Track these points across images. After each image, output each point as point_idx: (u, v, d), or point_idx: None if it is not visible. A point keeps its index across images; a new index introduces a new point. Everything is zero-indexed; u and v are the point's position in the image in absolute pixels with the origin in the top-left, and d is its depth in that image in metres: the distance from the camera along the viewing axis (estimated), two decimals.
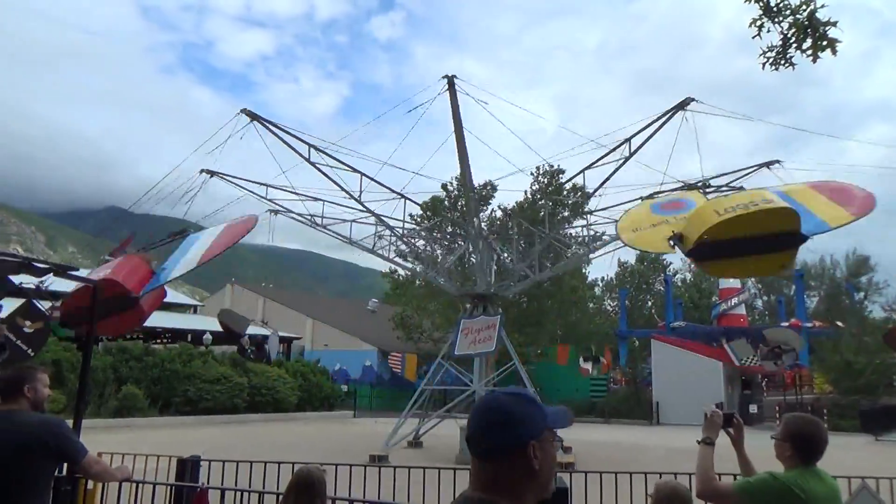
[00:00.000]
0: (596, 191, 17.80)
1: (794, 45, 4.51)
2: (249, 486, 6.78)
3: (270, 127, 16.36)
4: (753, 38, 4.57)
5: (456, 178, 36.95)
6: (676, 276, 57.84)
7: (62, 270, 6.26)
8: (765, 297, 65.99)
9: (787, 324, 36.03)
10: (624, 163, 15.97)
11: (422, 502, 7.18)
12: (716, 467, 3.61)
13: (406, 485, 7.62)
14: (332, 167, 17.15)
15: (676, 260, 61.92)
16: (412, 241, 22.04)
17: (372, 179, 18.12)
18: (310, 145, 16.74)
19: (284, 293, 62.64)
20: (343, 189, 17.55)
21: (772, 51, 4.66)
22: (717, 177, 16.92)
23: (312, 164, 16.79)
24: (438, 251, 22.78)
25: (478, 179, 38.88)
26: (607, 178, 16.62)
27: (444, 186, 34.03)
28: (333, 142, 17.21)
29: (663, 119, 15.26)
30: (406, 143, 17.27)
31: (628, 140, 15.82)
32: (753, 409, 32.63)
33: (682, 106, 14.91)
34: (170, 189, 15.56)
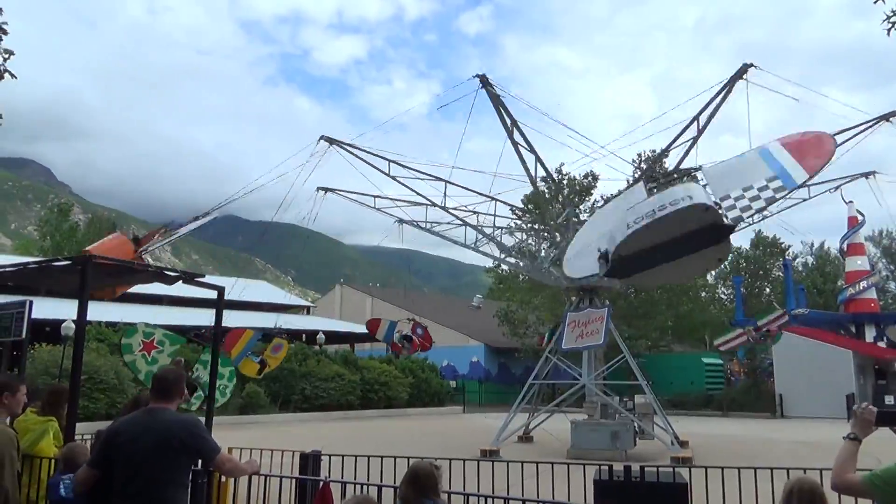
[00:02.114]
0: (673, 172, 17.19)
1: None
2: (368, 480, 7.00)
3: (349, 150, 17.24)
4: (875, 2, 4.25)
5: (557, 170, 36.55)
6: (797, 261, 54.62)
7: (190, 277, 6.70)
8: None
9: None
10: (693, 143, 15.32)
11: (536, 496, 7.15)
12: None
13: (519, 479, 7.62)
14: (416, 178, 17.80)
15: (797, 243, 58.49)
16: (510, 237, 22.08)
17: (454, 184, 18.58)
18: (389, 160, 17.40)
19: (391, 292, 64.07)
20: (425, 198, 18.21)
21: None
22: (816, 184, 15.82)
23: (393, 177, 17.53)
24: (542, 245, 22.60)
25: (578, 171, 38.23)
26: (681, 160, 16.02)
27: (544, 180, 33.71)
28: (412, 156, 17.94)
29: (723, 92, 14.51)
30: (497, 136, 17.43)
31: (696, 118, 15.09)
32: (889, 400, 30.22)
33: (740, 75, 14.16)
34: (279, 196, 16.41)
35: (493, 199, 19.60)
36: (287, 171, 15.98)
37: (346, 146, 17.15)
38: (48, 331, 22.66)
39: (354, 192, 19.20)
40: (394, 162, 17.52)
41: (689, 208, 6.11)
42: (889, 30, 4.34)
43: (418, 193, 18.25)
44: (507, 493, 6.66)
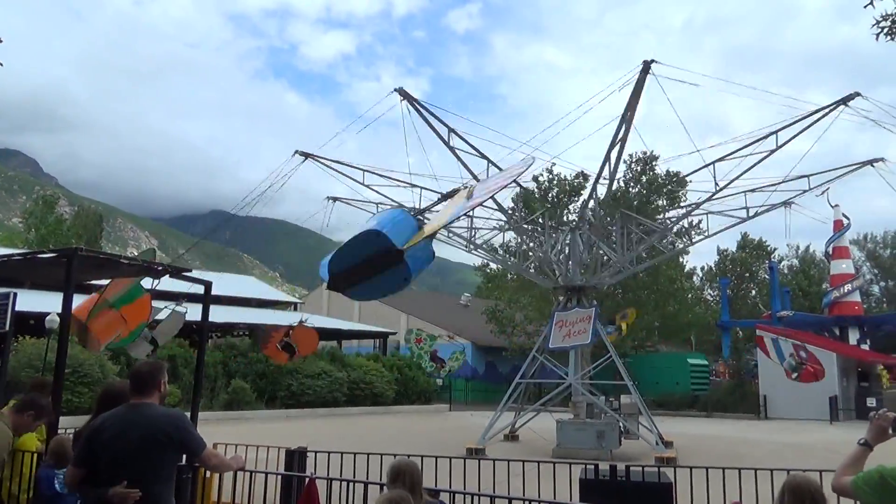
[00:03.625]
0: (727, 185, 17.20)
1: None
2: (354, 476, 7.00)
3: (324, 163, 17.32)
4: (865, 6, 4.28)
5: (547, 169, 36.58)
6: (782, 263, 55.05)
7: (177, 272, 6.66)
8: (882, 283, 61.78)
9: None
10: (768, 155, 15.44)
11: (521, 495, 7.17)
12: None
13: (505, 478, 7.65)
14: (465, 152, 17.66)
15: (782, 245, 58.88)
16: (498, 236, 22.14)
17: (429, 190, 18.66)
18: (450, 129, 17.24)
19: None
20: (399, 204, 18.34)
21: (886, 19, 4.35)
22: (785, 126, 15.79)
23: (367, 186, 17.76)
24: (530, 244, 22.63)
25: (567, 171, 38.32)
26: (747, 170, 16.15)
27: (535, 178, 33.73)
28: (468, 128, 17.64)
29: (820, 114, 14.62)
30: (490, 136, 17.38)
31: (775, 133, 15.23)
32: (871, 402, 30.53)
33: (845, 101, 14.25)
34: (269, 192, 16.32)
35: (519, 185, 19.96)
36: (275, 167, 16.01)
37: (320, 160, 17.35)
38: (32, 323, 22.47)
39: (337, 161, 19.04)
40: (368, 171, 17.76)
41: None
42: (878, 35, 4.37)
43: (393, 200, 18.53)
44: (493, 492, 6.66)
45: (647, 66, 15.47)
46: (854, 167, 17.45)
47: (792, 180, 17.61)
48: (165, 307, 8.83)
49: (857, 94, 14.58)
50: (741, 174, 16.65)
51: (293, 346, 13.97)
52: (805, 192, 18.15)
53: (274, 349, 14.07)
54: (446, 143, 17.16)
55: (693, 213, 21.96)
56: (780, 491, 3.49)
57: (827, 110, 15.07)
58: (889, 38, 4.40)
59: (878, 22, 4.39)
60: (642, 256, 21.93)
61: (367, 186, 17.84)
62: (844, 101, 14.73)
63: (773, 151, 15.78)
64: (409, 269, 6.68)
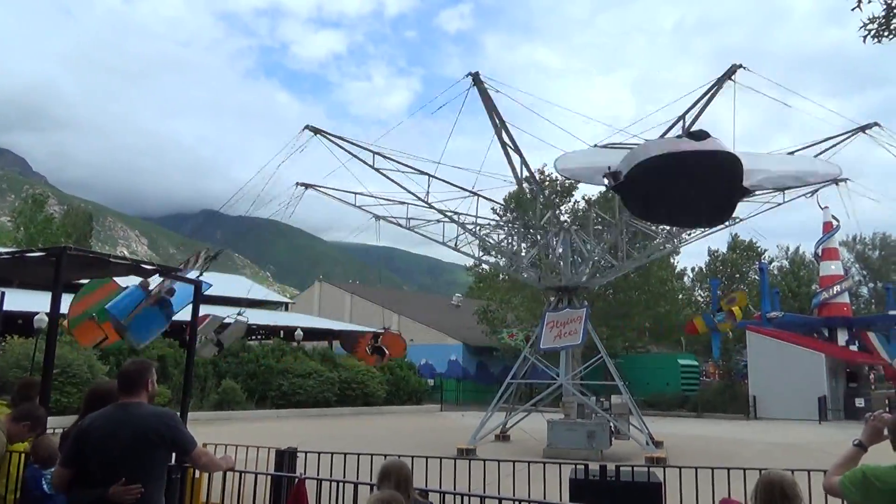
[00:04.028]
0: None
1: None
2: (344, 477, 6.98)
3: (334, 140, 16.98)
4: (853, 9, 4.31)
5: (538, 170, 36.63)
6: (772, 264, 55.30)
7: (167, 271, 6.63)
8: (871, 285, 62.20)
9: (895, 312, 33.88)
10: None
11: (511, 495, 7.18)
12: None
13: (496, 478, 7.65)
14: (399, 171, 17.54)
15: (772, 247, 59.15)
16: (490, 235, 22.03)
17: (439, 179, 18.30)
18: (374, 152, 17.21)
19: (370, 290, 63.95)
20: (408, 191, 17.94)
21: (874, 22, 4.38)
22: (805, 147, 16.00)
23: (377, 170, 17.29)
24: (522, 244, 22.67)
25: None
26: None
27: (526, 179, 33.79)
28: (395, 149, 17.65)
29: (711, 91, 14.61)
30: (480, 136, 17.35)
31: (681, 117, 15.11)
32: (860, 402, 30.77)
33: (728, 75, 14.28)
34: (259, 192, 16.24)
35: (476, 194, 19.54)
36: (268, 165, 15.83)
37: (330, 136, 16.97)
38: (21, 323, 22.30)
39: (335, 189, 18.94)
40: (378, 154, 17.30)
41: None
42: (865, 37, 4.41)
43: (402, 187, 17.98)
44: (484, 492, 6.67)
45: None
46: (820, 185, 18.02)
47: (764, 193, 17.91)
48: (229, 316, 9.87)
49: (876, 124, 14.98)
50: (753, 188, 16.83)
51: (383, 350, 14.75)
52: (780, 205, 18.44)
53: (364, 352, 14.74)
54: (371, 166, 17.09)
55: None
56: (753, 487, 3.52)
57: (845, 136, 15.38)
58: (876, 40, 4.43)
59: (865, 25, 4.42)
60: (633, 256, 22.02)
61: (377, 171, 17.44)
62: (863, 129, 15.12)
63: (681, 137, 15.80)
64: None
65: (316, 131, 16.67)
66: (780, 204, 18.35)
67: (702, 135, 6.78)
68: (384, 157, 17.31)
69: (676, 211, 6.62)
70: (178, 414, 6.21)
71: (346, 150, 17.13)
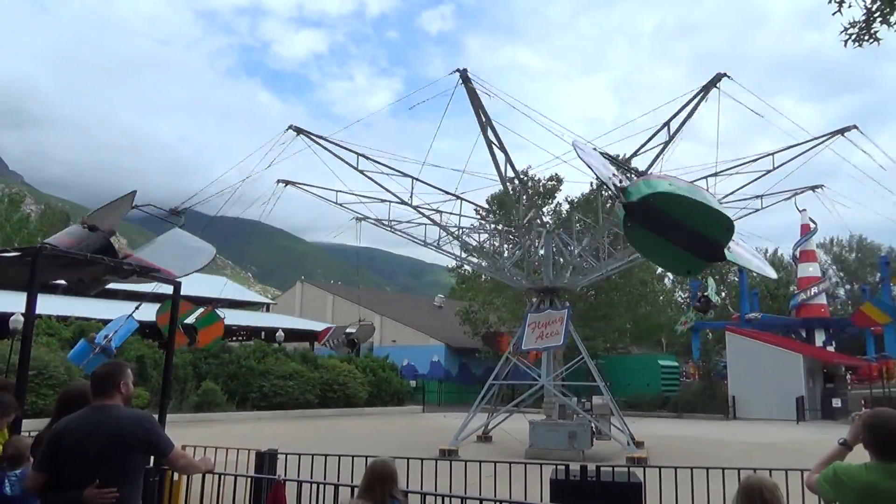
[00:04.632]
0: (724, 198, 17.48)
1: (879, 19, 4.27)
2: (325, 479, 6.94)
3: (316, 140, 16.87)
4: (833, 14, 4.36)
5: (522, 171, 36.73)
6: None
7: (146, 271, 6.55)
8: (847, 286, 63.12)
9: None
10: (664, 147, 15.56)
11: (492, 496, 7.18)
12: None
13: (477, 479, 7.65)
14: (382, 173, 17.47)
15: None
16: (473, 236, 22.02)
17: (422, 182, 18.28)
18: (358, 154, 17.12)
19: (352, 290, 63.73)
20: (392, 193, 17.90)
21: (854, 26, 4.43)
22: (785, 149, 16.28)
23: (361, 171, 17.23)
24: (505, 246, 22.71)
25: (543, 173, 38.52)
26: (651, 165, 16.21)
27: (510, 181, 33.89)
28: (385, 149, 17.53)
29: (697, 98, 14.80)
30: (463, 138, 17.33)
31: (667, 123, 15.33)
32: (837, 402, 31.18)
33: (713, 83, 14.48)
34: (240, 192, 16.08)
35: (458, 198, 19.53)
36: (249, 165, 15.72)
37: (313, 137, 16.85)
38: None
39: (316, 187, 18.77)
40: (362, 156, 17.20)
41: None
42: (846, 42, 4.45)
43: (386, 189, 17.93)
44: (465, 493, 6.67)
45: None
46: (798, 191, 18.78)
47: (743, 199, 18.36)
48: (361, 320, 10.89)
49: (855, 127, 15.30)
50: (735, 191, 17.22)
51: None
52: (757, 210, 18.84)
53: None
54: (355, 168, 16.99)
55: None
56: (735, 492, 3.55)
57: (824, 139, 15.69)
58: (856, 44, 4.48)
59: (845, 29, 4.47)
60: (615, 257, 22.14)
61: (361, 172, 17.34)
62: (842, 131, 15.46)
63: (768, 172, 16.33)
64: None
65: (299, 131, 16.54)
66: (757, 210, 18.67)
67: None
68: (368, 158, 17.24)
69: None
70: (157, 416, 6.14)
71: (329, 151, 17.04)
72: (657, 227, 6.24)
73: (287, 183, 17.58)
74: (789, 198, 19.05)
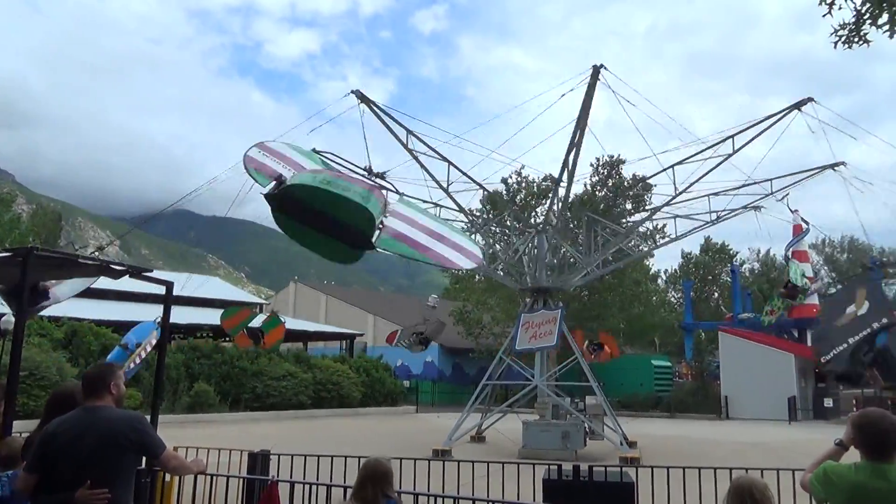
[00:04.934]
0: (685, 189, 17.37)
1: (869, 21, 4.30)
2: (317, 479, 6.93)
3: (376, 110, 16.60)
4: (824, 16, 4.38)
5: (516, 172, 36.80)
6: (744, 267, 56.18)
7: (137, 272, 6.53)
8: (839, 286, 63.41)
9: None
10: (725, 160, 15.62)
11: (485, 496, 7.19)
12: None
13: (470, 479, 7.65)
14: (425, 154, 17.29)
15: (744, 250, 59.96)
16: (477, 232, 21.99)
17: (461, 171, 18.08)
18: (408, 131, 16.91)
19: (346, 290, 63.67)
20: (433, 178, 17.58)
21: (844, 28, 4.46)
22: (743, 130, 16.13)
23: (410, 150, 16.98)
24: (498, 246, 22.72)
25: (536, 173, 38.62)
26: (705, 174, 16.28)
27: (504, 181, 33.94)
28: (427, 132, 17.19)
29: (775, 118, 14.87)
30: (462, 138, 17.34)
31: (731, 137, 15.44)
32: (828, 402, 31.35)
33: (798, 106, 14.54)
34: (234, 191, 16.03)
35: (482, 188, 19.67)
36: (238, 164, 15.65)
37: (375, 106, 16.49)
38: None
39: (348, 161, 18.40)
40: (412, 133, 16.78)
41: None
42: (836, 43, 4.48)
43: (431, 175, 17.22)
44: (458, 493, 6.67)
45: (596, 71, 15.73)
46: (815, 171, 17.53)
47: (752, 184, 17.87)
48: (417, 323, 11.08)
49: (811, 100, 15.03)
50: (700, 178, 16.93)
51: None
52: (767, 195, 18.34)
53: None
54: (405, 146, 16.94)
55: (657, 217, 22.25)
56: (726, 492, 3.58)
57: (781, 115, 15.49)
58: (846, 46, 4.51)
59: (836, 31, 4.50)
60: (608, 259, 22.19)
61: (410, 152, 17.05)
62: (797, 105, 15.26)
63: (730, 155, 16.07)
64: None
65: (362, 99, 16.19)
66: (769, 194, 18.35)
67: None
68: (417, 138, 17.04)
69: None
70: (149, 417, 6.12)
71: (384, 125, 16.63)
72: (303, 218, 6.31)
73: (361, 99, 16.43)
74: (807, 177, 17.60)
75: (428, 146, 17.22)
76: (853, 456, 3.43)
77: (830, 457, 3.54)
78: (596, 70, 15.76)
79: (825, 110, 14.79)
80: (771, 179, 18.12)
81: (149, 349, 10.96)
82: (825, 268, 63.39)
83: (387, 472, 4.10)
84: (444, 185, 17.84)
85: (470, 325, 41.01)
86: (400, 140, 16.83)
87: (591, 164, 37.06)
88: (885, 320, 13.49)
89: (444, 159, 17.57)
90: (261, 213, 17.32)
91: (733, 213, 19.16)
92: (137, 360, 10.83)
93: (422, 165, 17.28)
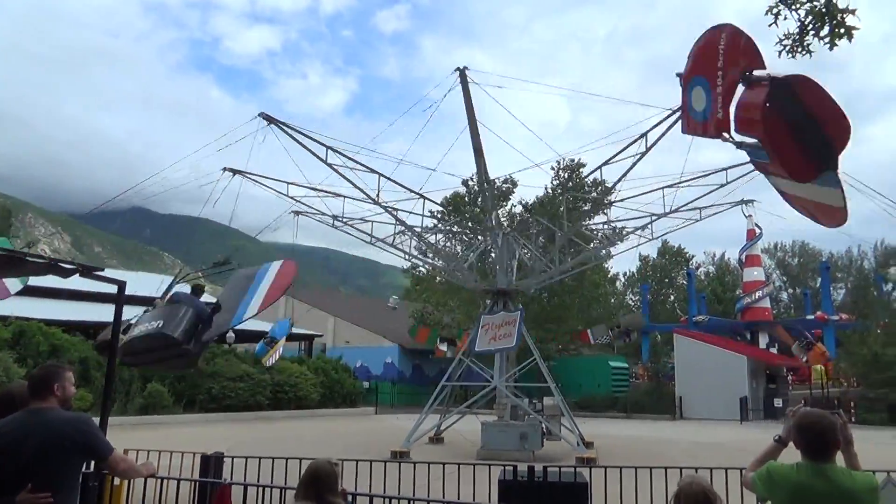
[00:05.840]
0: (614, 185, 17.61)
1: (812, 33, 4.45)
2: (271, 482, 6.86)
3: (287, 130, 16.36)
4: (770, 25, 4.52)
5: (475, 174, 36.87)
6: (699, 270, 57.38)
7: (88, 271, 6.37)
8: (790, 290, 65.24)
9: (812, 317, 35.66)
10: (640, 158, 15.80)
11: (441, 497, 7.21)
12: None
13: (427, 480, 7.66)
14: (349, 168, 17.14)
15: (699, 253, 61.23)
16: (430, 237, 21.97)
17: (389, 179, 17.98)
18: (327, 147, 16.72)
19: (307, 291, 63.01)
20: (360, 190, 17.47)
21: (789, 38, 4.60)
22: (739, 164, 16.54)
23: (329, 165, 16.74)
24: (459, 247, 22.79)
25: (497, 174, 38.82)
26: (623, 175, 16.41)
27: (464, 183, 34.01)
28: (351, 143, 17.28)
29: (679, 114, 15.05)
30: (423, 139, 17.33)
31: (644, 135, 15.62)
32: (778, 402, 32.23)
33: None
34: (192, 189, 15.73)
35: (422, 196, 19.46)
36: (203, 160, 15.31)
37: (284, 126, 16.29)
38: None
39: (263, 177, 17.87)
40: (331, 149, 16.71)
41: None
42: (780, 52, 4.63)
43: (355, 185, 17.28)
44: (413, 494, 6.67)
45: (462, 73, 16.60)
46: (726, 207, 18.88)
47: (704, 175, 18.28)
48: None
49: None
50: (620, 178, 16.99)
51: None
52: (721, 185, 18.61)
53: None
54: (324, 161, 16.72)
55: (627, 218, 22.30)
56: (674, 495, 3.49)
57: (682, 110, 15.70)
58: (790, 55, 4.66)
59: (780, 40, 4.64)
60: (567, 261, 22.38)
61: (330, 166, 16.85)
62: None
63: (644, 154, 16.17)
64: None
65: (270, 120, 16.01)
66: (697, 220, 19.01)
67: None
68: (337, 152, 16.82)
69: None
70: (99, 419, 5.98)
71: (299, 143, 16.45)
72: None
73: (234, 172, 16.69)
74: (722, 211, 19.19)
75: (350, 158, 17.00)
76: (793, 453, 3.53)
77: (770, 454, 3.62)
78: (462, 72, 16.57)
79: None
80: (700, 208, 18.67)
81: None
82: (777, 272, 65.14)
83: (330, 474, 4.02)
84: (374, 196, 17.74)
85: (430, 327, 41.00)
86: (318, 156, 16.62)
87: (553, 168, 37.46)
88: None
89: (373, 171, 17.45)
90: (216, 212, 16.83)
91: (720, 210, 19.46)
92: (276, 356, 11.50)
93: (347, 179, 17.11)
